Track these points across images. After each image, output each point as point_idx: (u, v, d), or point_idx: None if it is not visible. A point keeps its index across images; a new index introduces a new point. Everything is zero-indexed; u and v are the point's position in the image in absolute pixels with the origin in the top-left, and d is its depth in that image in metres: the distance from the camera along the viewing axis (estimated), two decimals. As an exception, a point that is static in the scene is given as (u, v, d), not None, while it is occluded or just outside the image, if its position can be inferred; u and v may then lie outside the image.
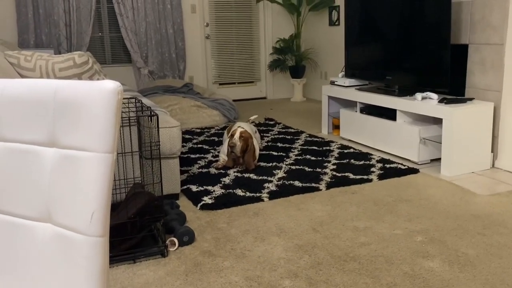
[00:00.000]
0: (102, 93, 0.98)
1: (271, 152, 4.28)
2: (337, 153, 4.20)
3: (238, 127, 3.85)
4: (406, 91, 4.17)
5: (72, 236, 1.04)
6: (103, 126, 0.99)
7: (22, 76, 2.88)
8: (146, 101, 3.67)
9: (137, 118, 2.83)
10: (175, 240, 2.50)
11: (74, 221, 1.04)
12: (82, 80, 1.02)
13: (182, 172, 3.72)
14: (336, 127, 4.99)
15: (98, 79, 2.98)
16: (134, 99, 2.92)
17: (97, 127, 1.00)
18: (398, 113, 4.04)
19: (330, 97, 5.02)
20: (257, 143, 3.98)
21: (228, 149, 3.73)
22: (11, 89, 1.12)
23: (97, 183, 1.00)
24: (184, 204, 3.12)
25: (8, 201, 1.12)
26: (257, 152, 3.91)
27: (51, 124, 1.07)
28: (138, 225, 2.38)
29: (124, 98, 2.93)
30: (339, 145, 4.48)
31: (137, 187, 2.55)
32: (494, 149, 3.77)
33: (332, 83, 5.03)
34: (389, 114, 4.16)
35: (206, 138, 4.87)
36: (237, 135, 3.70)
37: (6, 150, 1.12)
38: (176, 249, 2.49)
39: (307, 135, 4.92)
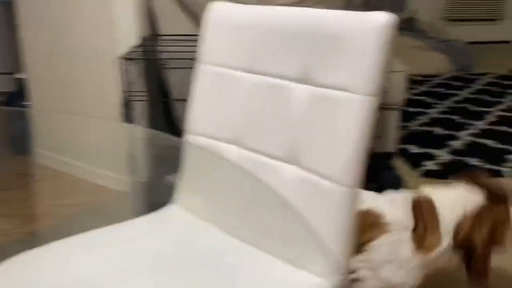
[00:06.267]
0: (373, 27, 0.86)
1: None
2: None
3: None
4: None
5: (320, 183, 0.96)
6: (369, 65, 0.87)
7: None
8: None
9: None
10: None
11: (323, 167, 0.96)
12: (348, 11, 0.90)
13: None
14: None
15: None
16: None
17: (362, 66, 0.88)
18: None
19: None
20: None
21: None
22: (265, 18, 1.05)
23: (356, 130, 0.89)
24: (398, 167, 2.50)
25: (252, 136, 1.09)
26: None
27: (306, 59, 0.98)
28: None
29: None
30: None
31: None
32: None
33: None
34: None
35: (429, 89, 4.10)
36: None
37: (253, 83, 1.08)
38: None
39: None
